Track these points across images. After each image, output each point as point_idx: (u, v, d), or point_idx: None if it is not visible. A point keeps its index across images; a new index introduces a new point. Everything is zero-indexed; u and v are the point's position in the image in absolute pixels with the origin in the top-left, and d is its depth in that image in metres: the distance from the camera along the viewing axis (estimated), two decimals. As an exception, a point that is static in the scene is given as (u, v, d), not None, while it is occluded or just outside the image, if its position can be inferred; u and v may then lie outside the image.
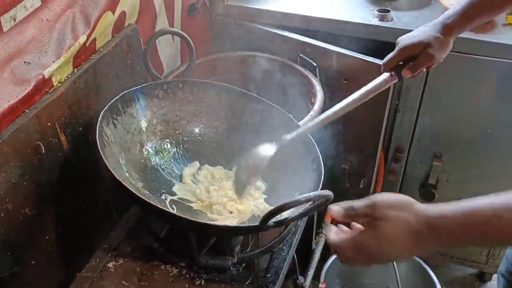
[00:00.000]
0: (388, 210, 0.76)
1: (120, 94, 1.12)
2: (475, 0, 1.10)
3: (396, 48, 1.14)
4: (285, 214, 0.96)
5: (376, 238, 0.76)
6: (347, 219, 0.83)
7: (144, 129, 1.19)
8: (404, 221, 0.75)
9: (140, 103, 1.17)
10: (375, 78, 1.56)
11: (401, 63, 1.14)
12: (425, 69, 1.17)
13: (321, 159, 1.13)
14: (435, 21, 1.14)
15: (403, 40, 1.14)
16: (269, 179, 1.22)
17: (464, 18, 1.11)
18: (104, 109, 1.06)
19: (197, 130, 1.27)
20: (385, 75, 1.16)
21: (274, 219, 0.91)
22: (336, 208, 0.83)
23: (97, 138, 1.01)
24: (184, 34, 1.23)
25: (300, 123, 1.36)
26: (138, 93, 1.17)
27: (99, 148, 0.99)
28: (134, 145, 1.16)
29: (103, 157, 0.98)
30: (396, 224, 0.75)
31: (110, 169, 0.97)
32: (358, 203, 0.80)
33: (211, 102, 1.27)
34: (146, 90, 1.18)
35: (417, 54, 1.11)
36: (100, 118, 1.04)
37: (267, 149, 1.11)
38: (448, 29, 1.11)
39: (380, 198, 0.78)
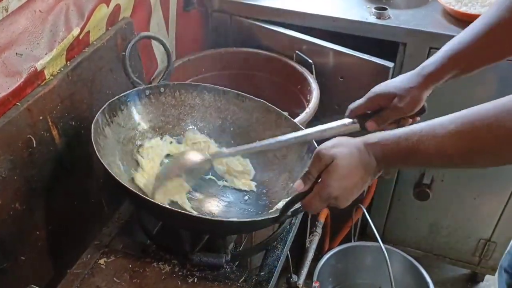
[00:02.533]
0: (333, 150, 0.83)
1: (106, 104, 1.08)
2: (455, 48, 1.01)
3: (365, 96, 1.07)
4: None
5: (334, 179, 0.82)
6: (308, 184, 0.86)
7: (132, 138, 1.15)
8: (349, 152, 0.83)
9: (124, 112, 1.14)
10: (371, 76, 1.56)
11: (369, 112, 1.06)
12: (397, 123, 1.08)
13: (316, 146, 1.11)
14: (413, 71, 1.05)
15: (375, 88, 1.07)
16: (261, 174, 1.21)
17: (441, 70, 1.02)
18: (93, 121, 1.02)
19: (182, 133, 1.24)
20: (346, 120, 1.06)
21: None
22: (296, 183, 0.88)
23: (93, 144, 0.98)
24: (161, 38, 1.19)
25: (295, 120, 1.35)
26: (122, 102, 1.13)
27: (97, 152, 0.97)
28: (126, 155, 1.13)
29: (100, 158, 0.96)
30: (344, 158, 0.82)
31: (104, 163, 0.95)
32: (309, 167, 0.86)
33: (194, 103, 1.24)
34: (130, 97, 1.15)
35: (385, 106, 1.04)
36: (92, 130, 1.01)
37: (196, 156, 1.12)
38: (423, 81, 1.02)
39: (320, 147, 0.86)
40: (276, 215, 0.92)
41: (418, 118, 1.06)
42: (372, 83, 1.55)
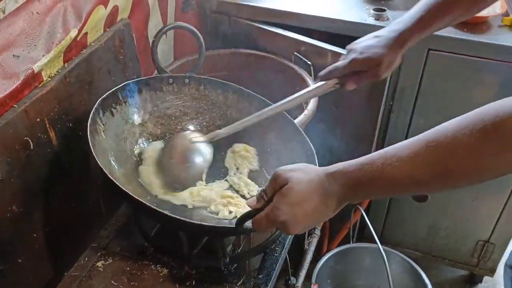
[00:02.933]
0: (290, 173, 0.80)
1: (123, 83, 1.10)
2: (432, 3, 1.05)
3: (346, 59, 1.10)
4: None
5: (284, 203, 0.79)
6: (260, 202, 0.84)
7: (144, 121, 1.17)
8: (306, 179, 0.79)
9: (143, 94, 1.15)
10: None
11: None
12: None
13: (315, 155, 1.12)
14: (390, 29, 1.09)
15: (354, 53, 1.09)
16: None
17: (414, 30, 1.06)
18: (103, 96, 1.04)
19: (199, 127, 1.25)
20: (324, 82, 1.12)
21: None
22: (249, 199, 0.87)
23: (88, 126, 0.99)
24: (195, 30, 1.21)
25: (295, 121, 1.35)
26: (141, 84, 1.15)
27: (89, 134, 0.97)
28: (131, 136, 1.14)
29: (91, 147, 0.96)
30: (299, 183, 0.79)
31: (100, 164, 0.94)
32: (265, 188, 0.84)
33: (217, 100, 1.25)
34: (151, 82, 1.16)
35: (364, 69, 1.09)
36: (97, 104, 1.01)
37: (203, 150, 1.13)
38: (402, 42, 1.07)
39: (279, 168, 0.83)
40: (232, 226, 0.90)
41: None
42: (370, 85, 1.57)
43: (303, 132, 1.17)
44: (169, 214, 0.94)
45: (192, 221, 0.98)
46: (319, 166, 1.09)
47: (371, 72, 1.09)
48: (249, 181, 1.17)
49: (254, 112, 1.20)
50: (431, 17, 1.06)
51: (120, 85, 1.10)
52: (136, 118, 1.16)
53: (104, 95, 1.06)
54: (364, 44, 1.10)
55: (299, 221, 0.80)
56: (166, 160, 1.13)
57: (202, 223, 0.99)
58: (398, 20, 1.09)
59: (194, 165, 1.13)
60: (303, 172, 0.81)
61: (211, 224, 1.02)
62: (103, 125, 1.05)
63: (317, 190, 0.79)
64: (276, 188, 0.81)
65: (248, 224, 0.87)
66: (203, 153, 1.14)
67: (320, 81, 1.12)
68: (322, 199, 0.79)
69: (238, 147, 1.22)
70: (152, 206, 0.92)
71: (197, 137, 1.15)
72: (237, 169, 1.20)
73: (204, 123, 1.25)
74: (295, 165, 0.84)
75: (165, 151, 1.16)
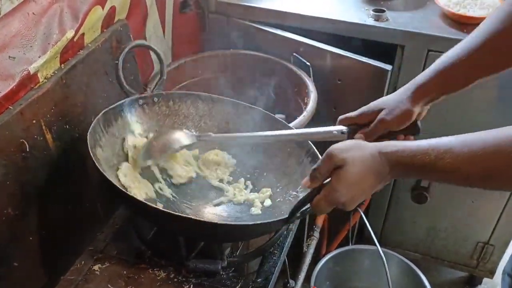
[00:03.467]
0: (343, 153, 0.82)
1: (101, 113, 1.06)
2: (447, 62, 0.98)
3: (359, 110, 1.06)
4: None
5: (343, 185, 0.81)
6: (316, 182, 0.86)
7: (125, 149, 1.12)
8: (361, 158, 0.81)
9: (119, 122, 1.11)
10: (369, 79, 1.55)
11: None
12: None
13: (315, 149, 1.10)
14: (407, 84, 1.03)
15: (370, 103, 1.05)
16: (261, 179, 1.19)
17: (431, 85, 0.99)
18: (89, 131, 1.00)
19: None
20: (335, 128, 1.06)
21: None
22: (304, 180, 0.89)
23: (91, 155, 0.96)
24: (154, 47, 1.17)
25: (291, 125, 1.34)
26: (116, 112, 1.10)
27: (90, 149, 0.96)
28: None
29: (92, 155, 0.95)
30: (355, 164, 0.81)
31: (98, 167, 0.93)
32: (318, 165, 0.85)
33: (188, 113, 1.22)
34: (123, 108, 1.12)
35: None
36: (88, 140, 0.99)
37: (186, 137, 1.13)
38: (413, 94, 1.00)
39: (333, 147, 0.84)
40: (286, 216, 0.91)
41: (412, 138, 1.04)
42: (370, 86, 1.56)
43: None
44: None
45: (232, 223, 1.01)
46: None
47: (379, 121, 1.01)
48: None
49: (226, 115, 1.23)
50: (451, 74, 0.99)
51: (98, 116, 1.05)
52: (120, 147, 1.12)
53: (90, 129, 1.01)
54: (382, 97, 1.05)
55: (356, 198, 0.83)
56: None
57: (247, 223, 1.02)
58: (419, 75, 1.03)
59: (173, 136, 1.13)
60: (358, 151, 0.82)
61: (260, 222, 0.99)
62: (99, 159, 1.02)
63: (372, 169, 0.82)
64: (330, 168, 0.83)
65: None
66: (186, 134, 1.14)
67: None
68: (376, 177, 0.82)
69: (209, 154, 1.21)
70: (160, 209, 0.92)
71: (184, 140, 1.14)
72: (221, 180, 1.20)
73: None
74: (348, 142, 0.86)
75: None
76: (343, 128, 1.05)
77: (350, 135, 1.04)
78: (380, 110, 1.02)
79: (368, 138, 1.02)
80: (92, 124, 1.03)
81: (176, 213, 0.99)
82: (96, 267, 1.02)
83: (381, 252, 1.56)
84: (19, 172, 0.99)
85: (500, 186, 0.81)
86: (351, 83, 1.60)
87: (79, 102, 1.14)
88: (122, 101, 1.12)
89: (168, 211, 0.93)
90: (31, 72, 1.00)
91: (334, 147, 0.84)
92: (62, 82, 1.08)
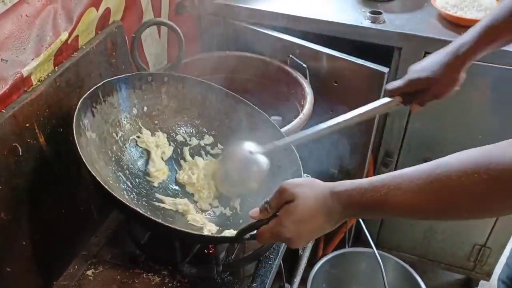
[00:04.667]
0: (296, 188, 0.80)
1: (102, 82, 1.07)
2: (493, 22, 1.01)
3: (404, 78, 1.09)
4: None
5: (290, 220, 0.80)
6: (265, 215, 0.84)
7: (123, 120, 1.14)
8: (313, 196, 0.79)
9: (122, 93, 1.12)
10: (366, 81, 1.54)
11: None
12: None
13: (301, 168, 1.09)
14: (448, 49, 1.07)
15: (412, 72, 1.09)
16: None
17: (478, 45, 1.03)
18: (84, 96, 1.01)
19: (176, 126, 1.23)
20: (387, 99, 1.11)
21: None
22: (253, 210, 0.87)
23: (74, 127, 0.95)
24: (175, 26, 1.18)
25: (287, 127, 1.33)
26: (120, 83, 1.12)
27: (75, 137, 0.94)
28: (111, 136, 1.11)
29: (78, 148, 0.93)
30: (305, 201, 0.79)
31: (90, 169, 0.91)
32: (271, 198, 0.84)
33: (196, 100, 1.23)
34: (129, 80, 1.13)
35: (425, 89, 1.08)
36: (79, 105, 0.98)
37: (263, 161, 1.10)
38: (460, 61, 1.04)
39: (286, 182, 0.83)
40: (233, 236, 0.89)
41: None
42: (367, 88, 1.55)
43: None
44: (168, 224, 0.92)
45: (191, 231, 0.97)
46: (310, 171, 1.08)
47: (431, 91, 1.07)
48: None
49: (233, 113, 1.22)
50: (497, 31, 1.02)
51: (100, 84, 1.06)
52: (113, 118, 1.12)
53: (85, 95, 1.02)
54: (422, 63, 1.09)
55: (303, 237, 0.81)
56: (224, 170, 1.14)
57: (201, 233, 0.99)
58: (457, 40, 1.06)
59: (251, 174, 1.12)
60: (310, 188, 0.81)
61: (212, 235, 1.01)
62: (85, 126, 1.02)
63: (322, 208, 0.79)
64: (281, 202, 0.82)
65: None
66: (260, 163, 1.11)
67: (385, 97, 1.11)
68: (326, 217, 0.80)
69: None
70: (146, 214, 0.90)
71: (254, 148, 1.12)
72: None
73: (182, 123, 1.23)
74: (301, 179, 0.85)
75: (224, 162, 1.16)
76: (399, 99, 1.09)
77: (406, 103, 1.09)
78: (427, 78, 1.05)
79: (423, 105, 1.08)
80: (90, 91, 1.02)
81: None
82: (89, 272, 1.01)
83: (377, 254, 1.55)
84: (12, 175, 0.98)
85: (457, 217, 0.79)
86: (347, 85, 1.59)
87: (73, 105, 1.13)
88: (132, 73, 1.12)
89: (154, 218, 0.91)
90: (24, 75, 0.99)
91: (287, 182, 0.83)
92: (56, 85, 1.07)
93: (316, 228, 0.81)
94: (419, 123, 1.71)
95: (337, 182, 0.81)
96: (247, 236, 0.88)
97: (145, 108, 1.18)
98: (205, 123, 1.25)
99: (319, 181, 0.84)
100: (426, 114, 1.69)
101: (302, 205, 0.79)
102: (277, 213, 0.83)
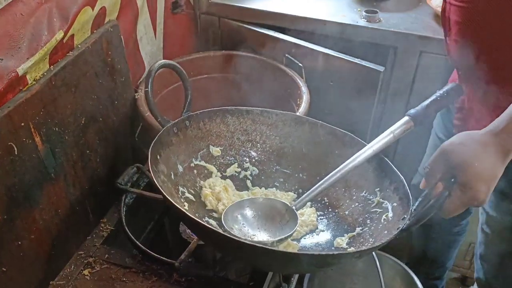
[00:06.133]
0: (462, 147, 0.81)
1: (149, 152, 0.99)
2: None
3: None
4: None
5: (483, 182, 0.80)
6: (433, 182, 0.85)
7: (173, 178, 1.07)
8: (479, 149, 0.80)
9: (163, 156, 1.05)
10: (361, 80, 1.55)
11: None
12: None
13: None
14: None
15: None
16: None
17: None
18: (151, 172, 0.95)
19: (217, 166, 1.17)
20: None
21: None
22: (422, 182, 0.88)
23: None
24: (180, 67, 1.14)
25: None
26: (156, 148, 1.02)
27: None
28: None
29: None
30: (475, 156, 0.80)
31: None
32: (431, 164, 0.84)
33: (220, 131, 1.18)
34: (162, 140, 1.05)
35: None
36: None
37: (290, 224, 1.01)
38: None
39: (447, 143, 0.83)
40: (403, 226, 0.87)
41: None
42: (363, 87, 1.55)
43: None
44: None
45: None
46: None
47: None
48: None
49: (259, 127, 1.18)
50: None
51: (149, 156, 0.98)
52: (169, 177, 1.05)
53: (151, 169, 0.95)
54: None
55: (491, 190, 0.82)
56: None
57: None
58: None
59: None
60: (472, 141, 0.82)
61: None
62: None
63: (498, 155, 0.81)
64: (449, 165, 0.82)
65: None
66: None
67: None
68: (502, 158, 0.81)
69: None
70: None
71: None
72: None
73: (220, 161, 1.17)
74: (455, 138, 0.84)
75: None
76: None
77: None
78: None
79: None
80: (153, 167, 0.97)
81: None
82: (86, 272, 1.01)
83: (374, 254, 1.55)
84: (7, 175, 0.97)
85: None
86: (343, 84, 1.59)
87: (69, 103, 1.13)
88: (161, 132, 1.05)
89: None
90: (20, 74, 0.99)
91: (447, 143, 0.83)
92: (52, 84, 1.07)
93: (498, 173, 0.81)
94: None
95: (489, 126, 0.83)
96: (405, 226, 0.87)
97: (183, 163, 1.12)
98: (238, 151, 1.20)
99: (471, 132, 0.84)
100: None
101: (479, 161, 0.80)
102: (450, 180, 0.82)
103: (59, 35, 1.07)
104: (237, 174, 1.16)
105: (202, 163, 1.12)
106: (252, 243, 0.83)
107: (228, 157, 1.17)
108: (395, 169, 1.03)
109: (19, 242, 1.03)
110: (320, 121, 1.18)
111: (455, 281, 2.16)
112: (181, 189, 1.03)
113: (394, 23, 1.59)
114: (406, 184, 0.98)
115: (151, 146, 0.99)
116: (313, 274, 1.71)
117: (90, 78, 1.19)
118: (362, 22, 1.59)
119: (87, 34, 1.20)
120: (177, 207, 0.85)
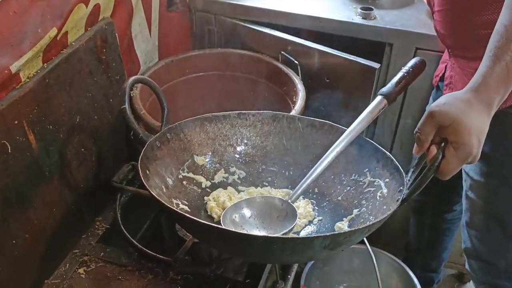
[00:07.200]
0: (448, 107, 0.83)
1: (136, 166, 1.00)
2: None
3: None
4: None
5: (475, 135, 0.82)
6: (426, 145, 0.86)
7: (165, 191, 1.05)
8: (464, 106, 0.83)
9: (152, 171, 1.03)
10: (357, 77, 1.54)
11: None
12: None
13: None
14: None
15: None
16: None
17: None
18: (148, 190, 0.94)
19: (204, 175, 1.16)
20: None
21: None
22: (414, 149, 0.89)
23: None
24: (154, 83, 1.13)
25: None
26: (143, 164, 1.00)
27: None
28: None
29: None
30: (462, 113, 0.82)
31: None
32: (421, 127, 0.85)
33: (201, 140, 1.16)
34: (147, 154, 1.03)
35: None
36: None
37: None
38: None
39: (434, 105, 0.85)
40: (403, 197, 0.89)
41: None
42: (359, 84, 1.55)
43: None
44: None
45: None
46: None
47: None
48: None
49: (239, 130, 1.17)
50: None
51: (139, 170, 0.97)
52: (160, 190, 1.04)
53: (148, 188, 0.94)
54: None
55: (482, 143, 0.84)
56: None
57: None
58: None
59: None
60: (457, 99, 0.84)
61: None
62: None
63: (481, 107, 0.83)
64: (438, 126, 0.84)
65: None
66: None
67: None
68: (488, 112, 0.84)
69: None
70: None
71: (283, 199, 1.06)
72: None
73: (206, 170, 1.16)
74: (442, 98, 0.86)
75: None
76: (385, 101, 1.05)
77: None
78: None
79: None
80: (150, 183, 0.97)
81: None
82: (81, 270, 1.01)
83: (370, 251, 1.55)
84: (0, 175, 0.97)
85: None
86: (339, 81, 1.59)
87: (63, 102, 1.12)
88: (144, 148, 1.03)
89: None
90: (13, 72, 0.98)
91: (434, 105, 0.85)
92: (45, 82, 1.06)
93: (485, 126, 0.84)
94: (411, 119, 1.71)
95: (469, 83, 0.86)
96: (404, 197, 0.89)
97: (172, 176, 1.11)
98: (221, 158, 1.19)
99: (454, 92, 0.87)
100: (418, 110, 1.69)
101: (467, 117, 0.82)
102: (441, 140, 0.84)
103: (53, 32, 1.07)
104: (225, 180, 1.15)
105: (190, 174, 1.11)
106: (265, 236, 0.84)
107: (213, 164, 1.16)
108: (379, 147, 1.06)
109: (14, 241, 1.02)
110: (298, 115, 1.17)
111: (451, 278, 2.17)
112: (175, 201, 1.02)
113: (389, 20, 1.59)
114: (394, 159, 1.00)
115: (138, 162, 0.98)
116: (311, 272, 1.71)
117: (84, 76, 1.18)
118: (358, 20, 1.59)
119: (81, 31, 1.20)
120: (178, 212, 0.86)
